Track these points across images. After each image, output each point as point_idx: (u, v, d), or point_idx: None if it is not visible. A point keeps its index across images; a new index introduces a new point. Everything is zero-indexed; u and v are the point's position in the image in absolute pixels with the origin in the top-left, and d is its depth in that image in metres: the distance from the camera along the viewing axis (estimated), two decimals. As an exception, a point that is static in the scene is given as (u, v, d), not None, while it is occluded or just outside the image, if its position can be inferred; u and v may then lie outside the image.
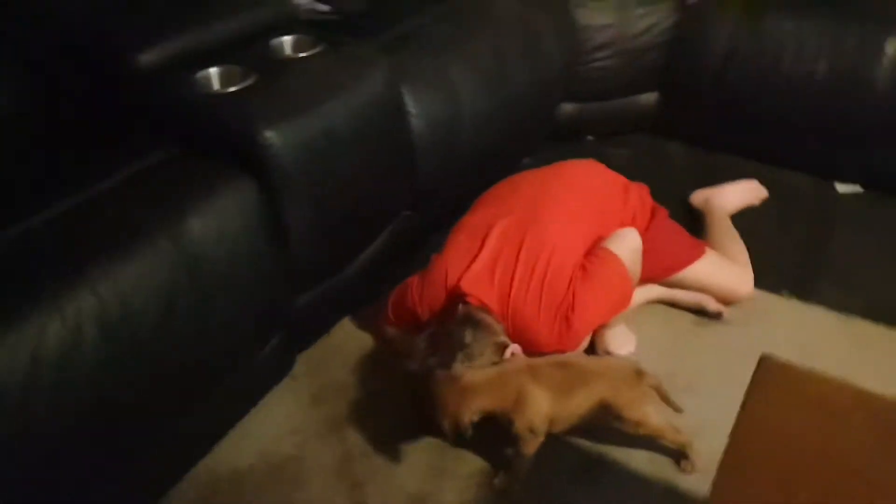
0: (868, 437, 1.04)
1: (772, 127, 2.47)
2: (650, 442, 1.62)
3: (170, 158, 1.53)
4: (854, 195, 2.41)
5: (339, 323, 2.02)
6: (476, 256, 1.73)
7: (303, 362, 1.91)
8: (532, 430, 1.52)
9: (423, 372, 1.57)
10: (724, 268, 1.98)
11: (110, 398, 1.32)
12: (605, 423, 1.57)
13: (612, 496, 1.58)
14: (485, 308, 1.66)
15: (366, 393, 1.84)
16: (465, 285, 1.69)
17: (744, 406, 1.07)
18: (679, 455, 1.61)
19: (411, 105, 1.85)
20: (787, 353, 1.83)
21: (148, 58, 1.66)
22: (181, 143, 1.57)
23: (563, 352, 1.69)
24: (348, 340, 1.98)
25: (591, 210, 1.87)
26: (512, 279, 1.69)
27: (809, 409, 1.07)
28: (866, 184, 2.42)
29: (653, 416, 1.57)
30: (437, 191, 2.09)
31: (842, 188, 2.44)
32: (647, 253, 1.86)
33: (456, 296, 1.69)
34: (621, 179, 2.01)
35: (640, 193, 2.00)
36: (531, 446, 1.54)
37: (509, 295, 1.69)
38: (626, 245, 1.79)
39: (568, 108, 2.63)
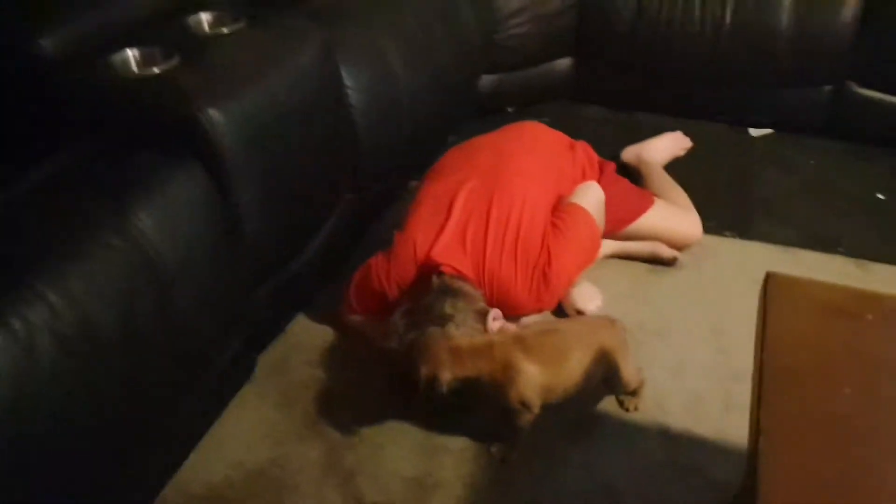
0: (886, 333, 1.06)
1: (685, 80, 2.55)
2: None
3: (101, 151, 1.39)
4: (767, 137, 2.53)
5: (293, 321, 1.91)
6: (444, 226, 1.68)
7: (263, 364, 1.79)
8: (524, 404, 1.47)
9: (405, 346, 1.49)
10: (674, 214, 2.02)
11: (70, 416, 1.18)
12: (594, 384, 1.55)
13: (606, 448, 1.57)
14: (461, 276, 1.61)
15: (336, 386, 1.74)
16: (438, 256, 1.63)
17: (764, 322, 1.06)
18: (627, 396, 1.63)
19: (348, 78, 1.77)
20: (742, 287, 1.93)
21: (51, 42, 1.50)
22: (109, 134, 1.42)
23: (541, 310, 1.66)
24: (307, 336, 1.87)
25: (549, 168, 1.86)
26: (485, 243, 1.65)
27: (825, 316, 1.09)
28: (777, 126, 2.54)
29: (632, 366, 1.57)
30: (377, 171, 2.02)
31: (755, 132, 2.55)
32: (605, 206, 1.87)
33: (428, 268, 1.63)
34: (566, 138, 2.01)
35: (585, 150, 2.00)
36: (526, 419, 1.50)
37: (484, 259, 1.64)
38: (592, 198, 1.79)
39: (487, 80, 2.62)
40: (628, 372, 1.55)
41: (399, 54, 1.95)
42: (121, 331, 1.23)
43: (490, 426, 1.61)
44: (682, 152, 2.39)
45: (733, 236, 2.11)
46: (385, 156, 2.00)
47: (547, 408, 1.53)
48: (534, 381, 1.46)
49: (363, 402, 1.69)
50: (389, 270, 1.69)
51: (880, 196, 2.23)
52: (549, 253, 1.65)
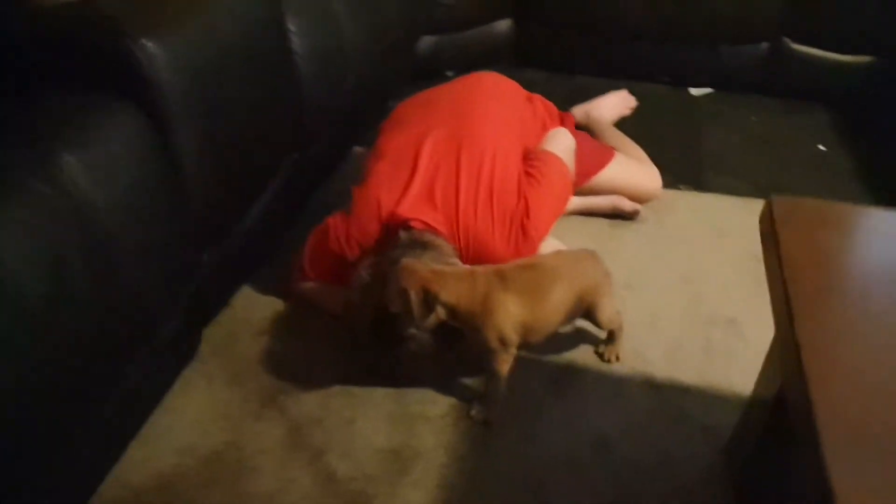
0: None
1: (625, 39, 2.52)
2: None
3: (20, 91, 1.18)
4: (707, 96, 2.52)
5: (239, 293, 1.73)
6: (410, 180, 1.55)
7: (208, 341, 1.61)
8: (503, 341, 1.37)
9: (380, 279, 1.38)
10: (634, 166, 1.97)
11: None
12: (575, 319, 1.47)
13: (591, 401, 1.49)
14: (432, 230, 1.49)
15: (293, 360, 1.58)
16: (406, 211, 1.51)
17: (776, 244, 1.00)
18: (607, 343, 1.56)
19: (291, 20, 1.62)
20: (705, 236, 1.90)
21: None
22: (28, 72, 1.22)
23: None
24: (255, 309, 1.70)
25: (515, 117, 1.76)
26: (457, 196, 1.53)
27: (837, 233, 1.05)
28: (716, 85, 2.54)
29: (614, 303, 1.50)
30: (320, 127, 1.87)
31: (696, 92, 2.55)
32: None
33: (395, 226, 1.50)
34: (523, 90, 1.92)
35: (543, 103, 1.92)
36: (503, 362, 1.40)
37: (457, 213, 1.52)
38: (563, 144, 1.71)
39: (426, 42, 2.51)
40: (611, 308, 1.48)
41: (343, 5, 1.81)
42: (48, 288, 1.05)
43: (466, 389, 1.50)
44: (628, 111, 2.35)
45: (688, 189, 2.08)
46: (328, 109, 1.85)
47: (525, 357, 1.43)
48: (513, 315, 1.36)
49: (325, 375, 1.54)
50: (349, 230, 1.55)
51: (822, 147, 2.25)
52: (526, 204, 1.56)
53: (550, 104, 1.95)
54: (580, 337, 1.61)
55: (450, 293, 1.33)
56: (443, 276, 1.34)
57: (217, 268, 1.57)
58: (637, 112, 2.38)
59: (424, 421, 1.45)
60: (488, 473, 1.36)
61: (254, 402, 1.49)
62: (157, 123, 1.25)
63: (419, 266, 1.34)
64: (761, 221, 1.14)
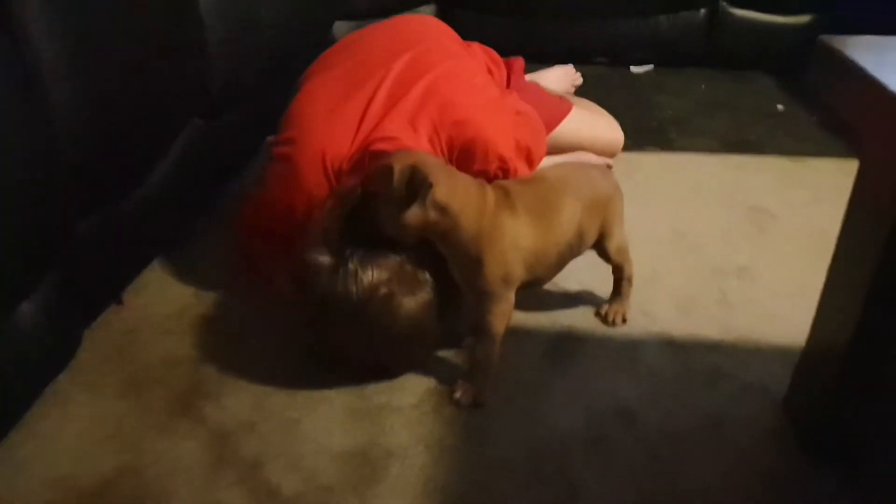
0: None
1: (558, 17, 2.33)
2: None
3: None
4: (649, 73, 2.36)
5: (137, 284, 1.34)
6: (361, 120, 1.23)
7: (94, 344, 1.21)
8: (507, 278, 1.06)
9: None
10: (594, 117, 1.75)
11: None
12: (586, 247, 1.20)
13: (601, 370, 1.18)
14: None
15: (210, 357, 1.21)
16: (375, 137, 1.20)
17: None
18: (611, 301, 1.28)
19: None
20: (683, 189, 1.66)
21: None
22: None
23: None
24: (159, 303, 1.32)
25: (467, 54, 1.49)
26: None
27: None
28: (657, 61, 2.39)
29: (623, 232, 1.24)
30: (230, 99, 1.54)
31: (636, 69, 2.38)
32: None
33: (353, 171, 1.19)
34: (457, 35, 1.64)
35: (482, 48, 1.65)
36: (501, 314, 1.08)
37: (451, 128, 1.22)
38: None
39: (343, 27, 2.22)
40: (621, 235, 1.22)
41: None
42: None
43: (443, 369, 1.16)
44: (572, 88, 2.13)
45: (655, 150, 1.86)
46: (237, 82, 1.53)
47: (513, 327, 1.11)
48: (523, 241, 1.07)
49: (256, 371, 1.17)
50: (292, 196, 1.22)
51: (780, 107, 2.10)
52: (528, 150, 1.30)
53: (491, 50, 1.68)
54: (576, 299, 1.31)
55: (450, 191, 1.02)
56: (446, 170, 1.05)
57: (101, 246, 1.19)
58: (580, 90, 2.17)
59: (394, 413, 1.10)
60: (489, 465, 1.02)
61: (158, 414, 1.10)
62: (13, 41, 0.89)
63: (430, 159, 1.05)
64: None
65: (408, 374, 1.16)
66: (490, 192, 1.07)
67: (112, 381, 1.15)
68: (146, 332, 1.25)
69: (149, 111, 1.26)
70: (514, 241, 1.06)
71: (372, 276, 1.05)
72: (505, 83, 1.64)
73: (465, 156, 1.22)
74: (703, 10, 2.30)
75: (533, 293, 1.23)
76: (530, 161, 1.30)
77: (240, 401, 1.12)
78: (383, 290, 1.05)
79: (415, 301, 1.08)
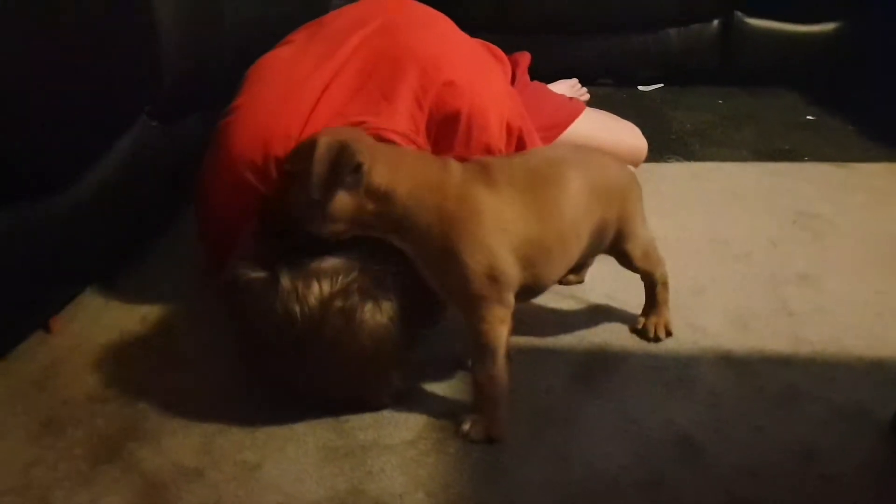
0: None
1: (553, 37, 2.16)
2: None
3: None
4: (659, 91, 2.18)
5: (69, 312, 1.10)
6: (319, 97, 1.01)
7: (9, 373, 0.97)
8: (494, 276, 0.81)
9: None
10: (612, 121, 1.55)
11: None
12: (600, 247, 0.96)
13: (641, 391, 0.94)
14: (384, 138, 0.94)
15: (149, 391, 0.96)
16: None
17: None
18: (648, 314, 1.04)
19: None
20: (720, 198, 1.45)
21: None
22: None
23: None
24: (91, 331, 1.07)
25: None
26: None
27: None
28: (667, 80, 2.21)
29: (648, 231, 1.00)
30: (188, 97, 1.33)
31: (645, 89, 2.20)
32: (529, 111, 1.31)
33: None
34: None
35: (482, 42, 1.46)
36: (496, 321, 0.83)
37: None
38: None
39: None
40: (646, 234, 0.98)
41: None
42: None
43: (443, 399, 0.92)
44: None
45: (678, 160, 1.65)
46: (200, 67, 1.33)
47: (532, 347, 0.87)
48: (509, 223, 0.83)
49: (206, 407, 0.92)
50: (222, 177, 1.00)
51: (810, 117, 1.91)
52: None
53: (492, 45, 1.49)
54: (604, 313, 1.08)
55: (392, 170, 0.80)
56: (386, 147, 0.84)
57: (14, 260, 0.96)
58: (592, 103, 1.98)
59: (384, 452, 0.85)
60: (514, 518, 0.76)
61: (77, 460, 0.85)
62: None
63: (360, 133, 0.83)
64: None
65: (400, 404, 0.91)
66: (454, 166, 0.84)
67: (23, 422, 0.90)
68: (73, 363, 1.00)
69: (78, 96, 1.05)
70: (496, 224, 0.82)
71: (319, 289, 0.81)
72: (510, 80, 1.44)
73: (443, 137, 1.00)
74: (715, 22, 2.13)
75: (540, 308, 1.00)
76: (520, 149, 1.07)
77: (183, 441, 0.87)
78: (337, 304, 0.81)
79: (380, 312, 0.83)
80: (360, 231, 0.82)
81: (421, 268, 0.84)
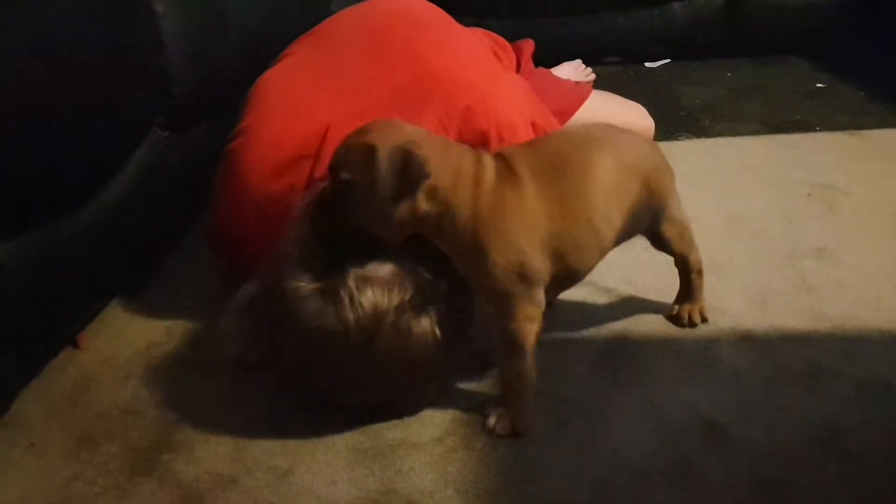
0: None
1: (557, 17, 2.15)
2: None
3: None
4: (666, 66, 2.16)
5: (96, 326, 1.12)
6: (332, 110, 1.01)
7: (38, 396, 0.99)
8: (524, 273, 0.81)
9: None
10: (618, 102, 1.55)
11: None
12: (635, 231, 0.94)
13: (664, 375, 0.94)
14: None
15: (181, 403, 0.98)
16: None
17: None
18: (682, 300, 1.03)
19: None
20: (732, 174, 1.44)
21: None
22: None
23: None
24: (119, 345, 1.09)
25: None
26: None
27: None
28: (673, 55, 2.19)
29: (683, 211, 0.98)
30: (198, 109, 1.34)
31: (651, 65, 2.19)
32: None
33: None
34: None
35: (485, 32, 1.46)
36: (527, 320, 0.83)
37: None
38: None
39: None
40: (682, 215, 0.97)
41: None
42: None
43: (467, 393, 0.93)
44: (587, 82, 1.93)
45: (689, 137, 1.64)
46: (208, 77, 1.34)
47: (553, 337, 0.87)
48: (534, 217, 0.82)
49: (237, 416, 0.94)
50: (239, 199, 1.01)
51: (820, 85, 1.89)
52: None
53: (495, 34, 1.49)
54: (622, 300, 1.09)
55: (441, 168, 0.79)
56: (435, 141, 0.82)
57: (39, 279, 0.98)
58: (598, 83, 1.97)
59: (412, 451, 0.86)
60: (543, 509, 0.77)
61: (115, 474, 0.87)
62: None
63: (401, 122, 0.82)
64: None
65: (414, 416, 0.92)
66: (487, 160, 0.83)
67: (60, 438, 0.92)
68: (103, 378, 1.02)
69: (89, 115, 1.06)
70: (521, 220, 0.81)
71: (372, 296, 0.80)
72: (514, 68, 1.44)
73: (477, 145, 1.00)
74: (721, -8, 2.12)
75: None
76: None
77: (217, 451, 0.88)
78: (391, 316, 0.81)
79: (429, 320, 0.83)
80: (413, 231, 0.82)
81: (456, 265, 0.84)
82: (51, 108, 0.97)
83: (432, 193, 0.79)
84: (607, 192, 0.85)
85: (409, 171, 0.76)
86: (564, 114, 1.42)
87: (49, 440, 0.92)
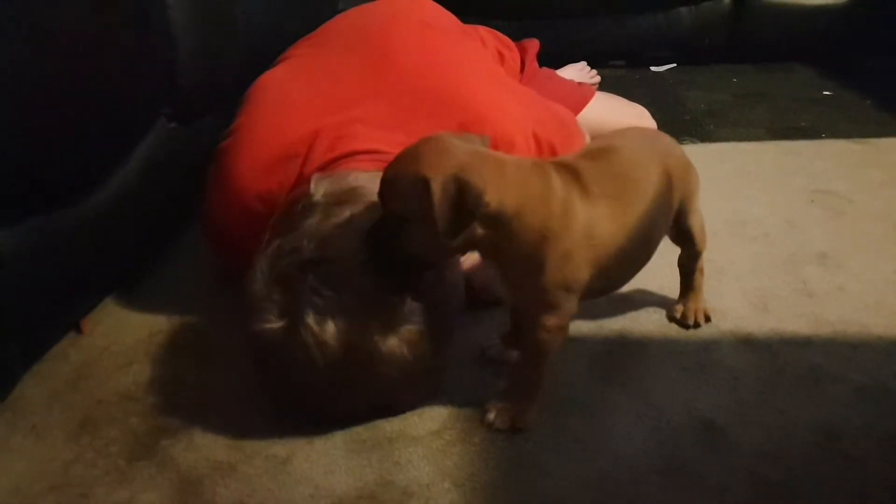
0: None
1: (564, 20, 2.16)
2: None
3: None
4: (672, 70, 2.17)
5: (98, 313, 1.13)
6: (324, 114, 1.01)
7: (41, 380, 0.99)
8: (568, 285, 0.80)
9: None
10: (619, 103, 1.57)
11: None
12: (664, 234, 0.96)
13: (664, 376, 0.94)
14: None
15: (181, 389, 0.98)
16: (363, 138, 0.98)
17: None
18: (684, 300, 1.04)
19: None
20: (734, 179, 1.44)
21: None
22: None
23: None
24: (121, 332, 1.10)
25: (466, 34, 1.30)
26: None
27: None
28: (679, 59, 2.20)
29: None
30: (207, 92, 1.34)
31: (657, 69, 2.19)
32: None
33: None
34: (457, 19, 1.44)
35: (488, 32, 1.46)
36: (557, 330, 0.82)
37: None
38: None
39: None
40: (700, 213, 0.98)
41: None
42: None
43: (466, 388, 0.93)
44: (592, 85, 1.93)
45: (693, 142, 1.64)
46: (216, 69, 1.34)
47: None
48: (596, 236, 0.81)
49: (236, 404, 0.94)
50: (226, 201, 1.03)
51: (826, 92, 1.89)
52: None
53: (500, 33, 1.49)
54: (619, 299, 1.08)
55: (501, 191, 0.75)
56: (490, 162, 0.76)
57: (44, 265, 0.98)
58: (603, 85, 1.98)
59: (410, 443, 0.87)
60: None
61: (114, 458, 0.87)
62: None
63: (451, 141, 0.76)
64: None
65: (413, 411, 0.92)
66: (554, 175, 0.80)
67: (60, 422, 0.93)
68: (105, 364, 1.02)
69: (96, 103, 1.06)
70: (586, 235, 0.80)
71: (334, 329, 0.79)
72: (518, 68, 1.45)
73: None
74: (727, -3, 2.12)
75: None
76: None
77: (216, 438, 0.89)
78: (356, 342, 0.80)
79: (398, 339, 0.82)
80: (465, 252, 0.82)
81: (499, 275, 0.82)
82: (57, 96, 0.97)
83: (492, 218, 0.76)
84: (661, 206, 0.87)
85: (466, 201, 0.72)
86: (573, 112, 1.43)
87: (50, 424, 0.92)
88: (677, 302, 1.03)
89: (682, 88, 2.01)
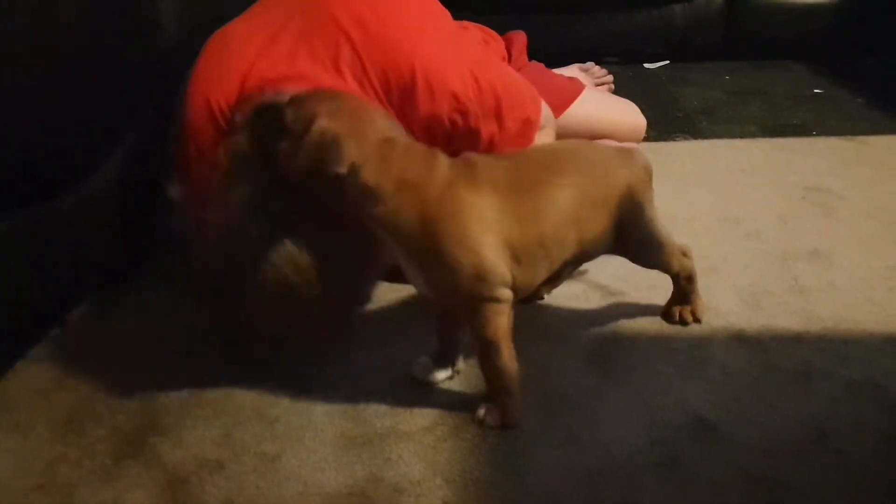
0: None
1: (555, 16, 2.15)
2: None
3: None
4: (665, 68, 2.16)
5: (90, 307, 1.12)
6: (256, 57, 0.99)
7: (26, 377, 0.98)
8: (480, 273, 0.81)
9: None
10: (610, 99, 1.56)
11: None
12: (602, 250, 0.93)
13: (655, 374, 0.94)
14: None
15: (169, 383, 0.97)
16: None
17: None
18: (676, 301, 1.03)
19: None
20: (722, 174, 1.44)
21: None
22: None
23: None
24: (110, 321, 1.08)
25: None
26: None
27: None
28: (672, 56, 2.20)
29: (661, 223, 0.97)
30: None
31: (651, 66, 2.19)
32: None
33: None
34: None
35: (475, 25, 1.44)
36: (494, 314, 0.82)
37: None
38: None
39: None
40: (660, 229, 0.95)
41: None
42: None
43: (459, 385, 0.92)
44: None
45: (686, 138, 1.64)
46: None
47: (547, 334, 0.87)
48: (490, 224, 0.82)
49: (224, 398, 0.93)
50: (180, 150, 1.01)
51: (818, 90, 1.89)
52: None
53: (485, 27, 1.47)
54: (614, 296, 1.09)
55: (377, 169, 0.79)
56: (382, 144, 0.80)
57: (27, 258, 0.97)
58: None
59: (401, 439, 0.86)
60: (531, 502, 0.77)
61: (100, 456, 0.86)
62: None
63: (372, 114, 0.82)
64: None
65: (416, 393, 0.92)
66: (442, 164, 0.83)
67: (46, 420, 0.91)
68: (91, 361, 1.01)
69: (82, 95, 1.05)
70: (477, 224, 0.81)
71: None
72: (504, 58, 1.43)
73: (406, 97, 0.97)
74: (720, -7, 2.12)
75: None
76: (500, 118, 1.02)
77: (204, 435, 0.88)
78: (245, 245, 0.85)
79: (288, 249, 0.85)
80: (367, 227, 0.83)
81: (405, 265, 0.84)
82: (41, 87, 0.97)
83: (369, 193, 0.79)
84: (564, 219, 0.86)
85: (327, 157, 0.77)
86: (557, 109, 1.40)
87: (34, 422, 0.91)
88: (669, 300, 1.03)
89: (675, 85, 2.01)
